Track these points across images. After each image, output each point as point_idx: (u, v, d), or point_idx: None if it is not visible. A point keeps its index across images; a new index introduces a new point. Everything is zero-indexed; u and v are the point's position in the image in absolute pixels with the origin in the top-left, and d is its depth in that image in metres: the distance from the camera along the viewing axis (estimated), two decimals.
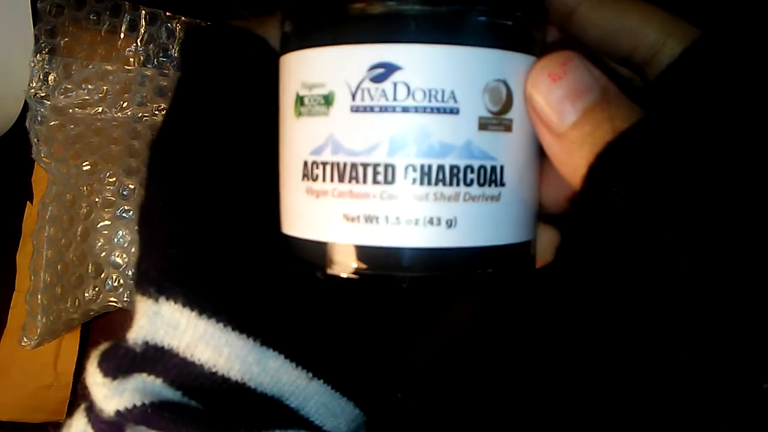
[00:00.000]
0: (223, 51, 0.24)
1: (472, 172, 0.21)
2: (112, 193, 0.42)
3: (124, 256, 0.43)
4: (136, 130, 0.43)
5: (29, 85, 0.42)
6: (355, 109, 0.21)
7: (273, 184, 0.23)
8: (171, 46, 0.43)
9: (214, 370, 0.22)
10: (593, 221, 0.20)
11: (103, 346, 0.24)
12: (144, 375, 0.22)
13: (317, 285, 0.22)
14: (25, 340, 0.43)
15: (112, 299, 0.43)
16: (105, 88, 0.42)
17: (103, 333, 0.49)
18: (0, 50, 0.42)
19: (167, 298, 0.22)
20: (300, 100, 0.22)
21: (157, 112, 0.43)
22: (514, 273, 0.23)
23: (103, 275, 0.43)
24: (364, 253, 0.21)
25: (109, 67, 0.42)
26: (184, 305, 0.22)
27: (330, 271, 0.22)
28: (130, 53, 0.43)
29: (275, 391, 0.23)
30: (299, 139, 0.22)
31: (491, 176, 0.21)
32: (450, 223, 0.21)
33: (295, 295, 0.23)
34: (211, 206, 0.23)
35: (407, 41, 0.20)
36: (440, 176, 0.21)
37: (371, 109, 0.21)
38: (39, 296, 0.41)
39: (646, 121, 0.19)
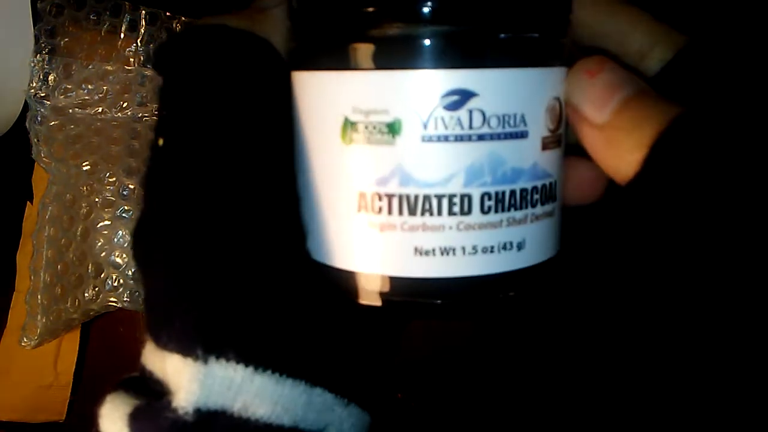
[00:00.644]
0: (224, 61, 0.22)
1: (537, 192, 0.21)
2: (112, 193, 0.42)
3: (124, 256, 0.43)
4: (136, 130, 0.43)
5: (29, 85, 0.42)
6: (428, 139, 0.19)
7: (293, 210, 0.22)
8: None
9: (269, 421, 0.21)
10: (654, 204, 0.19)
11: (123, 404, 0.21)
12: None
13: (354, 315, 0.22)
14: (25, 340, 0.43)
15: (111, 299, 0.43)
16: (105, 88, 0.42)
17: (103, 333, 0.49)
18: (0, 50, 0.42)
19: (218, 357, 0.20)
20: (351, 126, 0.20)
21: (157, 113, 0.43)
22: (559, 280, 0.23)
23: (103, 275, 0.43)
24: (438, 285, 0.20)
25: (109, 67, 0.42)
26: (237, 362, 0.20)
27: (394, 304, 0.21)
28: (130, 53, 0.43)
29: (320, 424, 0.22)
30: (352, 168, 0.20)
31: (550, 193, 0.21)
32: (520, 246, 0.21)
33: (328, 326, 0.22)
34: (241, 247, 0.21)
35: (482, 66, 0.19)
36: (512, 201, 0.20)
37: (445, 139, 0.19)
38: (39, 296, 0.41)
39: (694, 110, 0.19)
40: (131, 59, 0.43)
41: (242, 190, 0.21)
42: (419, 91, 0.19)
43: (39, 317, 0.42)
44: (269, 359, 0.21)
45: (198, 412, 0.20)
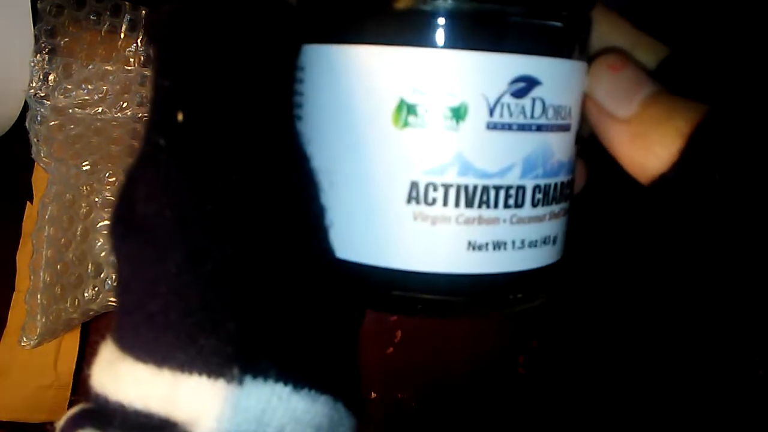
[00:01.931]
0: (253, 29, 0.19)
1: (568, 186, 0.21)
2: (112, 192, 0.42)
3: None
4: (136, 130, 0.43)
5: (29, 85, 0.42)
6: (492, 126, 0.18)
7: (315, 201, 0.20)
8: None
9: None
10: (690, 195, 0.19)
11: None
12: None
13: (358, 316, 0.20)
14: (25, 339, 0.43)
15: (111, 299, 0.43)
16: (105, 88, 0.42)
17: (104, 333, 0.49)
18: (0, 50, 0.42)
19: (255, 376, 0.18)
20: (408, 108, 0.18)
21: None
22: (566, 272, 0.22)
23: (102, 275, 0.43)
24: (487, 281, 0.19)
25: (109, 67, 0.42)
26: (276, 380, 0.18)
27: (441, 303, 0.20)
28: (131, 53, 0.43)
29: None
30: (405, 155, 0.18)
31: (570, 189, 0.21)
32: (555, 240, 0.21)
33: (346, 333, 0.21)
34: (269, 246, 0.18)
35: (546, 54, 0.19)
36: (555, 195, 0.20)
37: (509, 127, 0.18)
38: (38, 296, 0.41)
39: (727, 106, 0.19)
40: (131, 59, 0.43)
41: (275, 181, 0.19)
42: (490, 74, 0.18)
43: (38, 317, 0.42)
44: (308, 376, 0.19)
45: None
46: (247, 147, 0.18)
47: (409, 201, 0.19)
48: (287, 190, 0.19)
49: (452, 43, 0.18)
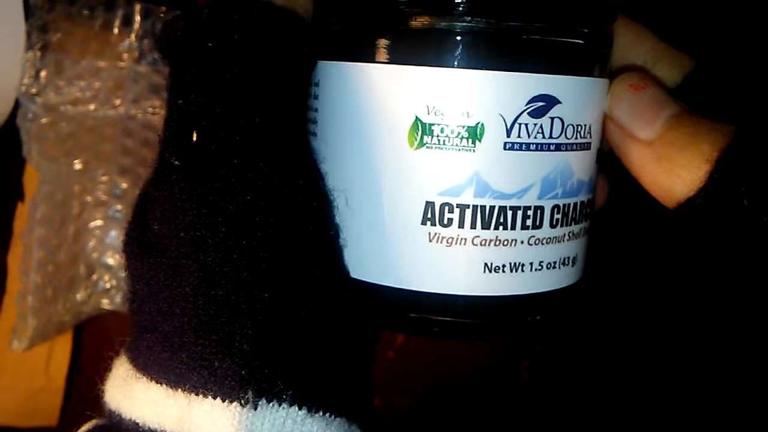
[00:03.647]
0: (273, 48, 0.18)
1: (588, 206, 0.20)
2: (104, 192, 0.42)
3: (117, 257, 0.42)
4: (129, 128, 0.42)
5: (20, 82, 0.42)
6: (510, 147, 0.18)
7: (330, 221, 0.19)
8: None
9: None
10: (718, 221, 0.18)
11: None
12: None
13: (372, 336, 0.20)
14: (16, 342, 0.42)
15: (104, 301, 0.43)
16: (97, 85, 0.42)
17: (96, 337, 0.48)
18: None
19: (269, 400, 0.18)
20: (423, 128, 0.18)
21: (150, 110, 0.42)
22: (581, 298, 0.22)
23: (95, 276, 0.43)
24: (504, 303, 0.19)
25: (101, 64, 0.41)
26: (291, 404, 0.18)
27: (458, 325, 0.20)
28: (124, 49, 0.42)
29: None
30: (420, 175, 0.18)
31: (591, 208, 0.21)
32: (574, 261, 0.20)
33: (360, 354, 0.20)
34: (283, 267, 0.18)
35: (565, 72, 0.18)
36: (574, 215, 0.20)
37: (527, 147, 0.18)
38: (29, 298, 0.41)
39: (752, 128, 0.18)
40: (125, 55, 0.42)
41: (289, 200, 0.18)
42: (507, 94, 0.18)
43: (29, 319, 0.41)
44: (321, 399, 0.18)
45: None
46: (261, 167, 0.18)
47: (424, 222, 0.19)
48: (302, 209, 0.19)
49: (469, 62, 0.18)
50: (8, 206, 0.46)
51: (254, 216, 0.18)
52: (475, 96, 0.18)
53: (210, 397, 0.18)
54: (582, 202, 0.20)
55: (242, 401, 0.18)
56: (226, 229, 0.18)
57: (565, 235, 0.19)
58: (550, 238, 0.19)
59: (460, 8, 0.18)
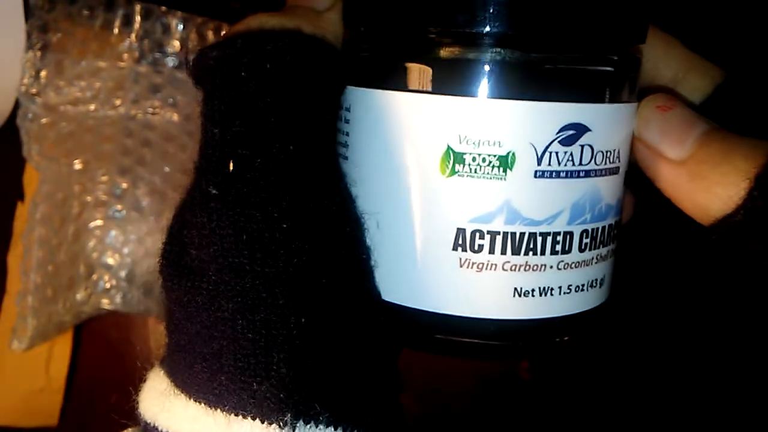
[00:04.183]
0: (303, 76, 0.19)
1: (615, 228, 0.21)
2: (104, 192, 0.42)
3: (117, 257, 0.42)
4: (129, 128, 0.42)
5: (21, 82, 0.42)
6: (540, 174, 0.18)
7: (361, 243, 0.20)
8: (166, 42, 0.42)
9: None
10: (760, 238, 0.18)
11: None
12: None
13: (434, 352, 0.20)
14: (16, 342, 0.42)
15: (104, 301, 0.42)
16: (98, 85, 0.42)
17: (96, 337, 0.48)
18: None
19: (306, 422, 0.18)
20: (455, 157, 0.18)
21: (150, 110, 0.42)
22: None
23: (95, 276, 0.43)
24: (533, 326, 0.20)
25: (101, 64, 0.41)
26: (327, 425, 0.18)
27: (487, 347, 0.20)
28: (124, 49, 0.42)
29: None
30: (451, 203, 0.19)
31: (618, 229, 0.21)
32: (602, 283, 0.21)
33: (390, 374, 0.21)
34: (318, 291, 0.19)
35: (595, 100, 0.19)
36: (602, 238, 0.20)
37: (557, 175, 0.18)
38: (29, 298, 0.40)
39: None
40: (125, 55, 0.42)
41: (322, 226, 0.19)
42: (537, 124, 0.18)
43: (29, 319, 0.41)
44: (357, 419, 0.19)
45: None
46: (295, 194, 0.19)
47: (455, 248, 0.19)
48: (335, 234, 0.19)
49: (499, 92, 0.18)
50: (8, 206, 0.46)
51: (290, 242, 0.19)
52: (506, 126, 0.18)
53: (249, 418, 0.18)
54: (610, 225, 0.20)
55: (281, 423, 0.18)
56: (263, 255, 0.18)
57: (593, 258, 0.20)
58: (578, 262, 0.19)
59: (489, 39, 0.18)
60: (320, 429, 0.18)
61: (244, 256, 0.18)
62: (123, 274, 0.43)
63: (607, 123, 0.19)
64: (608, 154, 0.19)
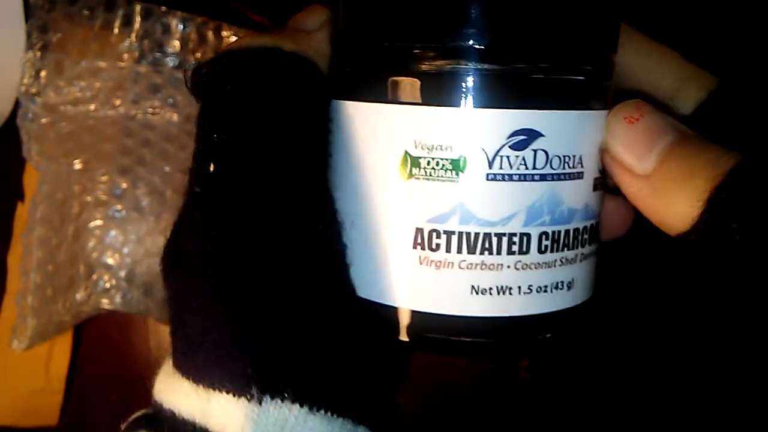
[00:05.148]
0: (280, 88, 0.21)
1: (587, 232, 0.21)
2: (104, 192, 0.42)
3: (116, 256, 0.42)
4: (129, 128, 0.42)
5: (20, 81, 0.42)
6: (492, 178, 0.19)
7: (337, 242, 0.21)
8: (166, 42, 0.42)
9: None
10: (709, 258, 0.19)
11: None
12: None
13: (389, 351, 0.22)
14: (15, 342, 0.42)
15: (104, 301, 0.42)
16: (98, 85, 0.42)
17: (96, 337, 0.48)
18: None
19: (273, 397, 0.20)
20: (413, 161, 0.20)
21: (150, 110, 0.42)
22: (591, 317, 0.23)
23: (94, 276, 0.43)
24: (492, 325, 0.20)
25: (101, 64, 0.41)
26: (293, 401, 0.20)
27: (448, 343, 0.21)
28: (124, 49, 0.42)
29: None
30: (410, 204, 0.20)
31: (595, 233, 0.22)
32: (570, 285, 0.21)
33: (370, 364, 0.22)
34: (291, 281, 0.21)
35: (548, 107, 0.19)
36: (566, 241, 0.20)
37: (510, 178, 0.19)
38: (29, 298, 0.40)
39: (754, 158, 0.18)
40: (125, 55, 0.42)
41: (296, 223, 0.21)
42: (486, 130, 0.19)
43: (29, 319, 0.41)
44: (323, 399, 0.20)
45: None
46: (271, 193, 0.21)
47: (414, 246, 0.20)
48: (309, 228, 0.21)
49: (449, 100, 0.19)
50: (8, 206, 0.46)
51: (265, 237, 0.21)
52: (457, 131, 0.19)
53: (224, 392, 0.20)
54: (576, 229, 0.21)
55: (248, 396, 0.20)
56: (240, 249, 0.20)
57: (556, 260, 0.20)
58: (539, 263, 0.20)
59: (441, 52, 0.19)
60: (286, 404, 0.20)
61: (222, 250, 0.20)
62: (123, 274, 0.43)
63: (562, 129, 0.20)
64: (567, 159, 0.20)
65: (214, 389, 0.20)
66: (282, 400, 0.20)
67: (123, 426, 0.22)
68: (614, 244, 0.24)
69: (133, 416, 0.22)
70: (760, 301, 0.18)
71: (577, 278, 0.21)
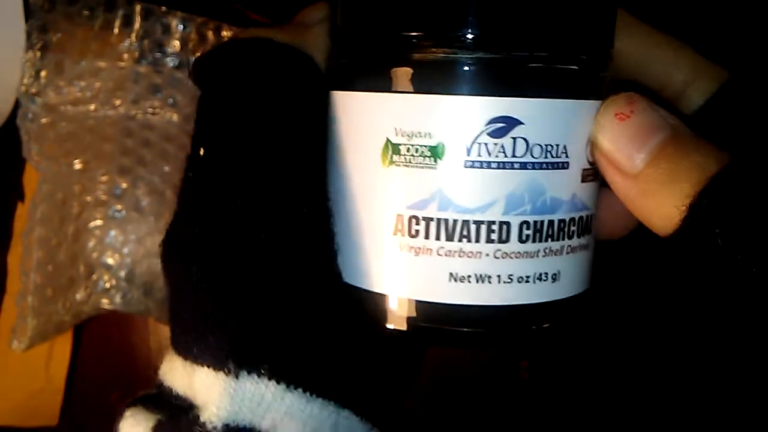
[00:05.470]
0: (269, 75, 0.22)
1: (574, 224, 0.21)
2: (104, 192, 0.41)
3: (117, 256, 0.42)
4: (129, 128, 0.42)
5: (21, 82, 0.41)
6: (470, 165, 0.19)
7: (325, 228, 0.22)
8: (166, 42, 0.42)
9: None
10: (692, 261, 0.19)
11: (145, 419, 0.21)
12: None
13: (382, 338, 0.22)
14: (15, 342, 0.42)
15: (104, 301, 0.42)
16: (98, 85, 0.42)
17: (96, 337, 0.48)
18: None
19: (249, 372, 0.20)
20: (392, 148, 0.20)
21: (150, 110, 0.42)
22: (586, 314, 0.23)
23: (94, 276, 0.43)
24: (471, 313, 0.20)
25: (101, 64, 0.41)
26: (269, 378, 0.20)
27: (427, 331, 0.21)
28: (124, 49, 0.42)
29: None
30: (390, 190, 0.20)
31: (586, 226, 0.21)
32: (555, 277, 0.21)
33: (357, 348, 0.22)
34: (277, 265, 0.21)
35: (528, 95, 0.19)
36: (550, 232, 0.20)
37: (488, 165, 0.19)
38: (29, 298, 0.40)
39: (740, 161, 0.18)
40: (125, 55, 0.42)
41: (282, 208, 0.21)
42: (464, 116, 0.19)
43: (29, 319, 0.41)
44: (301, 377, 0.21)
45: (227, 427, 0.20)
46: (257, 178, 0.21)
47: (395, 233, 0.20)
48: (300, 214, 0.21)
49: (428, 87, 0.20)
50: (8, 206, 0.46)
51: (250, 220, 0.21)
52: (435, 118, 0.19)
53: (205, 366, 0.21)
54: (562, 220, 0.20)
55: (226, 370, 0.20)
56: (225, 231, 0.21)
57: (539, 251, 0.20)
58: (519, 252, 0.20)
59: (418, 39, 0.19)
60: (262, 380, 0.20)
61: (208, 230, 0.21)
62: (123, 274, 0.43)
63: (542, 117, 0.19)
64: (549, 148, 0.20)
65: (197, 364, 0.21)
66: (258, 376, 0.20)
67: (131, 401, 0.23)
68: (614, 241, 0.24)
69: (140, 394, 0.23)
70: (742, 303, 0.18)
71: (564, 270, 0.21)
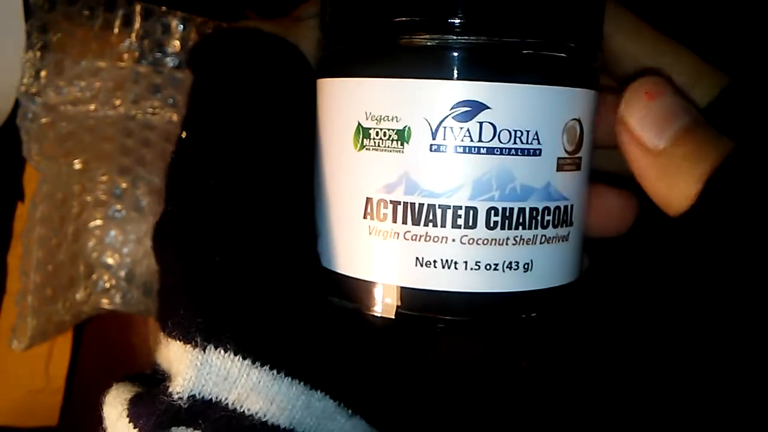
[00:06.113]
0: (253, 63, 0.23)
1: (549, 214, 0.21)
2: (104, 192, 0.41)
3: (116, 256, 0.42)
4: (130, 128, 0.42)
5: (20, 81, 0.41)
6: (435, 149, 0.19)
7: (306, 213, 0.22)
8: (166, 42, 0.42)
9: (264, 419, 0.21)
10: (706, 239, 0.19)
11: (126, 391, 0.22)
12: (188, 430, 0.21)
13: (358, 323, 0.22)
14: (15, 342, 0.42)
15: (104, 300, 0.42)
16: (98, 85, 0.42)
17: (96, 337, 0.48)
18: None
19: (216, 347, 0.21)
20: (364, 132, 0.20)
21: (150, 110, 0.42)
22: (571, 309, 0.22)
23: (94, 276, 0.43)
24: (438, 298, 0.20)
25: (101, 64, 0.41)
26: (236, 353, 0.21)
27: (395, 315, 0.21)
28: (124, 49, 0.42)
29: (320, 431, 0.22)
30: (361, 174, 0.21)
31: (564, 217, 0.21)
32: (527, 267, 0.21)
33: (332, 331, 0.23)
34: (251, 244, 0.22)
35: (494, 80, 0.19)
36: (521, 220, 0.20)
37: (454, 150, 0.19)
38: (29, 298, 0.40)
39: (750, 145, 0.19)
40: (125, 55, 0.42)
41: (258, 188, 0.22)
42: (430, 100, 0.19)
43: (29, 319, 0.41)
44: (267, 354, 0.21)
45: (192, 398, 0.21)
46: (235, 160, 0.22)
47: (365, 216, 0.21)
48: (277, 197, 0.22)
49: (396, 71, 0.20)
50: (8, 206, 0.46)
51: (224, 200, 0.22)
52: (402, 102, 0.20)
53: (177, 339, 0.21)
54: (533, 209, 0.20)
55: (194, 343, 0.21)
56: (199, 211, 0.22)
57: (508, 238, 0.20)
58: (487, 239, 0.20)
59: (392, 25, 0.20)
60: (229, 355, 0.21)
61: (183, 208, 0.22)
62: (123, 273, 0.43)
63: (510, 102, 0.19)
64: (519, 134, 0.20)
65: (171, 337, 0.22)
66: (225, 350, 0.21)
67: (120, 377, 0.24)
68: (614, 239, 0.24)
69: (131, 374, 0.24)
70: (753, 281, 0.18)
71: (537, 261, 0.21)
